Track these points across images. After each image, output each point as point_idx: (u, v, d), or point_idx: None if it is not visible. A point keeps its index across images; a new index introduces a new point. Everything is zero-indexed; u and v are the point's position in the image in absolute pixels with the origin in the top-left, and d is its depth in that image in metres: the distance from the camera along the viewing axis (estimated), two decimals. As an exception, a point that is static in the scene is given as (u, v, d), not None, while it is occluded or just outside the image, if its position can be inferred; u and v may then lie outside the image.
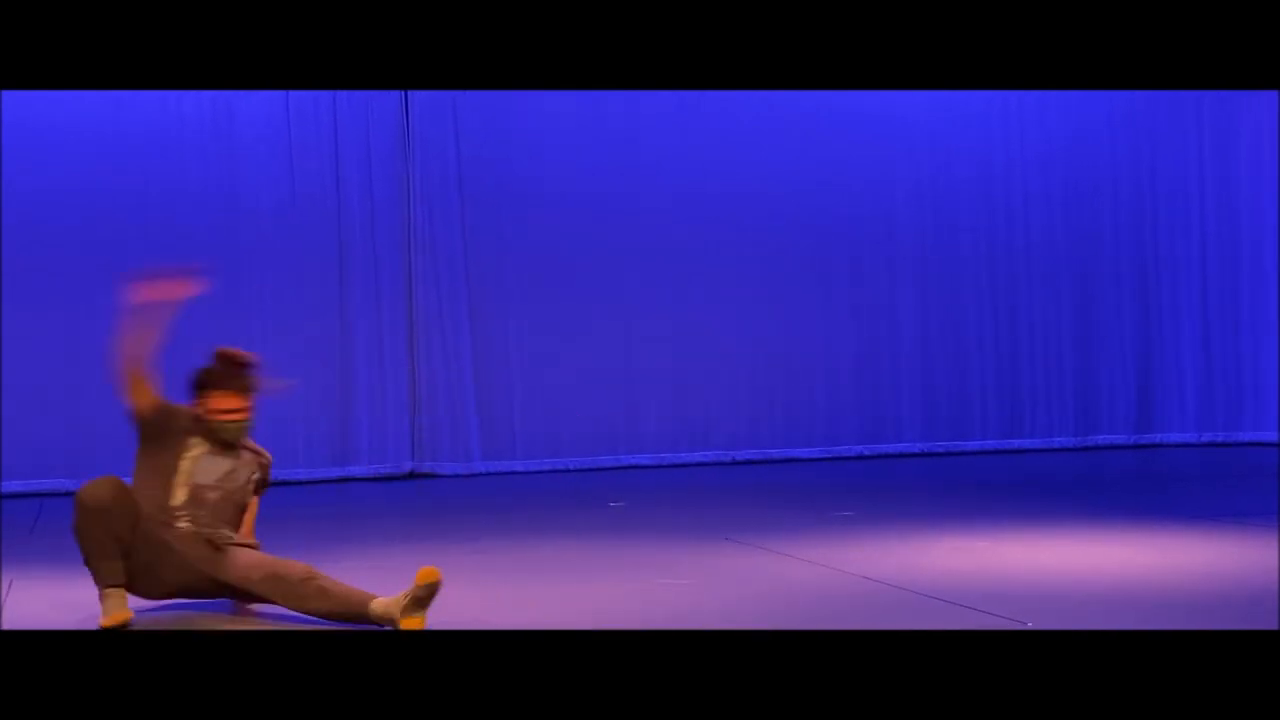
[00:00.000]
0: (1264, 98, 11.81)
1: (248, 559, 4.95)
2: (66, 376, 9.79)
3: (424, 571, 4.70)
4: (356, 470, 10.48)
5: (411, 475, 10.59)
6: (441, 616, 5.23)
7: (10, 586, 5.85)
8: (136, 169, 10.08)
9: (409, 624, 4.70)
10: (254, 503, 5.31)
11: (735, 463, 11.21)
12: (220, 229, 10.24)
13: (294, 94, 10.33)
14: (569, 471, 10.81)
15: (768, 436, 11.41)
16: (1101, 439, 12.08)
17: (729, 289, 11.32)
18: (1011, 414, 11.96)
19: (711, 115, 11.18)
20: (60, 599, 5.64)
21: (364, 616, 4.77)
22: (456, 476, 10.60)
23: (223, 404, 5.10)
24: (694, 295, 11.24)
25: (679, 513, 8.41)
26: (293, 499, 9.58)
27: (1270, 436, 11.92)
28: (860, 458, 11.49)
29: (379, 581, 6.06)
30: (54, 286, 9.91)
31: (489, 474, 10.69)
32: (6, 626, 5.03)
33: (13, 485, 9.70)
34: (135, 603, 5.03)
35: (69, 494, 9.56)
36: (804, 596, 5.48)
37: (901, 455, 11.60)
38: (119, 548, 4.84)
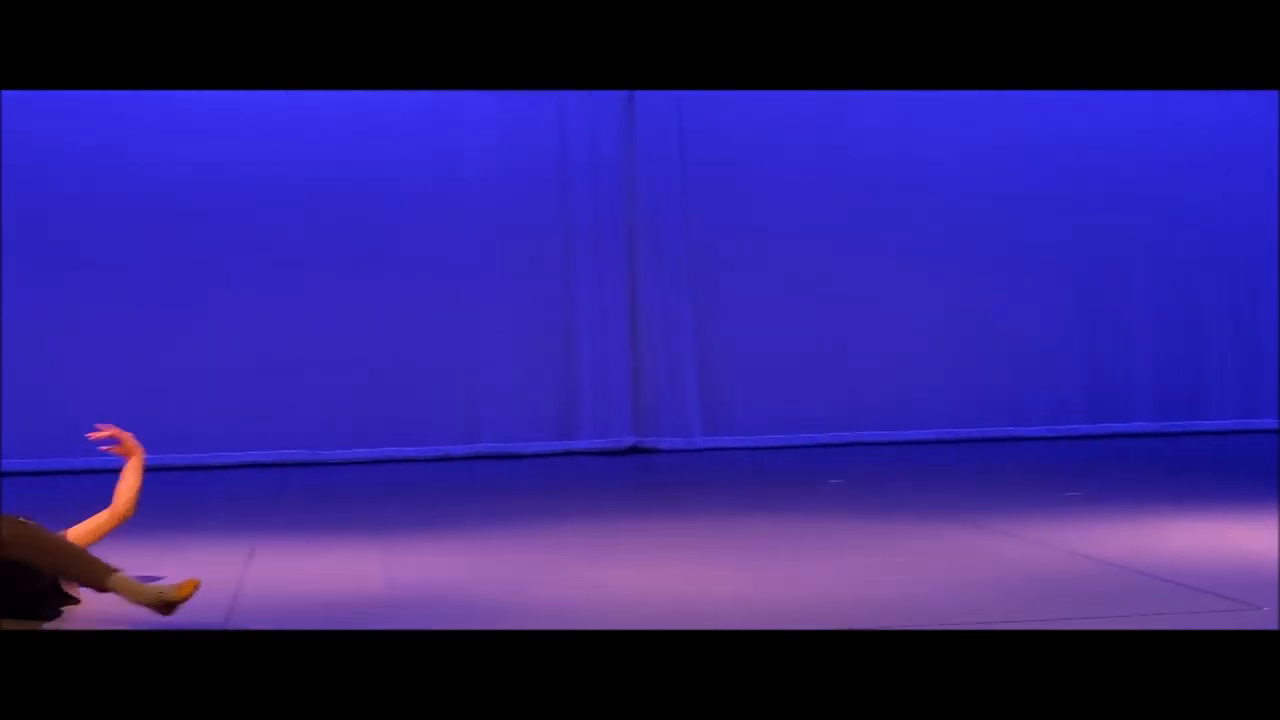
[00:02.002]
0: None
1: None
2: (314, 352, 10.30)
3: (187, 585, 4.55)
4: (579, 444, 10.68)
5: (633, 450, 10.73)
6: (654, 592, 5.32)
7: (253, 554, 6.14)
8: (362, 163, 10.44)
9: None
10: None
11: (958, 441, 11.06)
12: (448, 214, 10.55)
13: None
14: (789, 448, 10.82)
15: (991, 414, 11.23)
16: (1349, 418, 11.56)
17: (953, 267, 11.17)
18: (1249, 391, 11.52)
19: (926, 106, 11.02)
20: (301, 568, 5.91)
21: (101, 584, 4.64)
22: (677, 451, 10.71)
23: None
24: (917, 273, 11.12)
25: (899, 491, 8.36)
26: (517, 471, 9.83)
27: None
28: (1087, 437, 11.22)
29: (590, 555, 6.19)
30: (279, 280, 10.33)
31: (709, 449, 10.77)
32: (247, 593, 5.29)
33: (258, 455, 10.16)
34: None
35: (306, 464, 10.05)
36: (1030, 578, 5.40)
37: (1131, 435, 11.29)
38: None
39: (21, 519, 4.72)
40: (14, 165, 9.87)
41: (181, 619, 4.63)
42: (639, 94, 10.78)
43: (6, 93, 9.44)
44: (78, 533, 5.14)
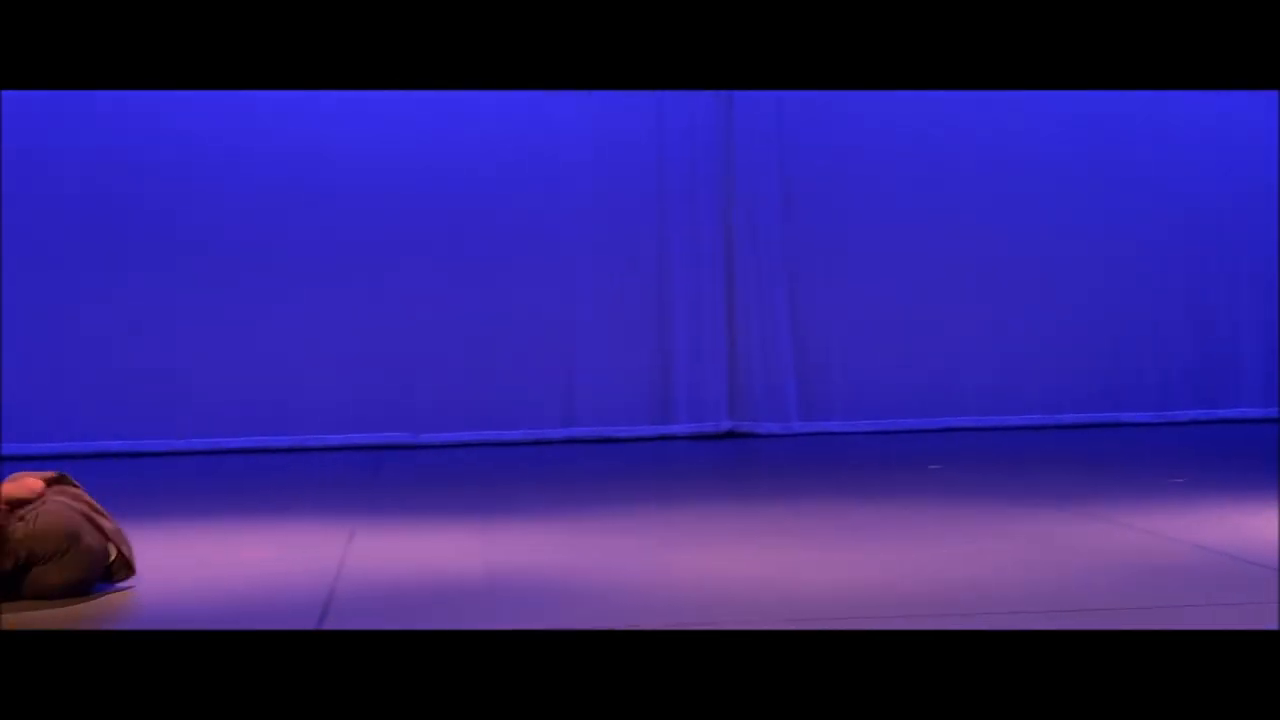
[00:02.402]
0: None
1: None
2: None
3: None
4: (675, 429, 10.67)
5: (729, 434, 10.71)
6: (748, 577, 5.29)
7: (353, 537, 6.20)
8: (463, 155, 10.51)
9: None
10: None
11: (1060, 426, 10.91)
12: (547, 203, 10.59)
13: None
14: (888, 433, 10.73)
15: (1093, 399, 11.06)
16: None
17: (1052, 253, 11.02)
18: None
19: (1020, 102, 10.85)
20: (401, 551, 5.96)
21: None
22: (774, 436, 10.66)
23: None
24: (1018, 253, 10.99)
25: (1000, 476, 8.25)
26: (614, 456, 9.84)
27: None
28: (1194, 423, 11.00)
29: (692, 542, 6.18)
30: (380, 265, 10.43)
31: (806, 434, 10.71)
32: (347, 576, 5.34)
33: (357, 438, 10.27)
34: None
35: (404, 447, 10.15)
36: (1132, 566, 5.30)
37: (1238, 420, 11.05)
38: None
39: None
40: (110, 162, 10.12)
41: (279, 611, 4.68)
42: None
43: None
44: None
